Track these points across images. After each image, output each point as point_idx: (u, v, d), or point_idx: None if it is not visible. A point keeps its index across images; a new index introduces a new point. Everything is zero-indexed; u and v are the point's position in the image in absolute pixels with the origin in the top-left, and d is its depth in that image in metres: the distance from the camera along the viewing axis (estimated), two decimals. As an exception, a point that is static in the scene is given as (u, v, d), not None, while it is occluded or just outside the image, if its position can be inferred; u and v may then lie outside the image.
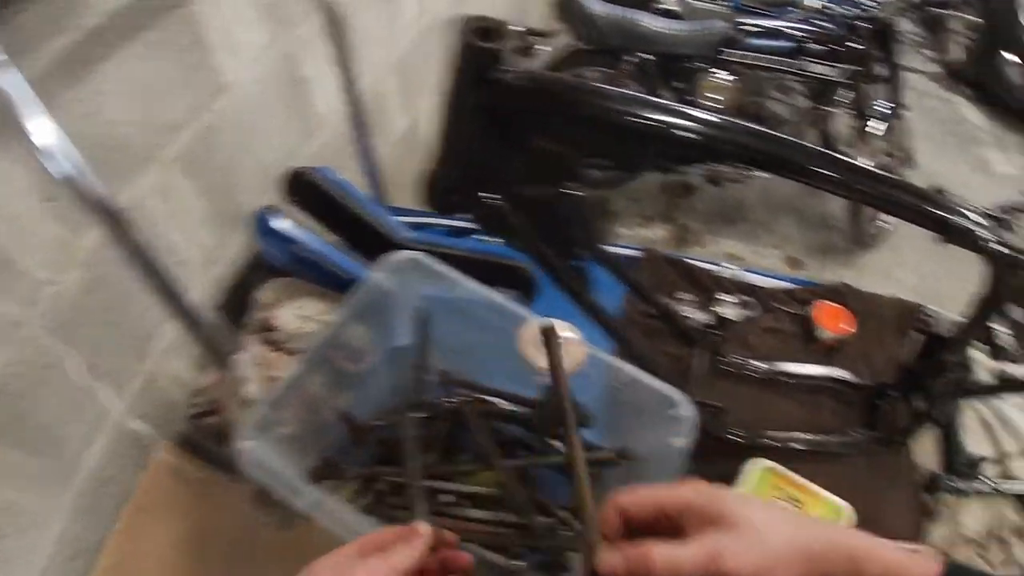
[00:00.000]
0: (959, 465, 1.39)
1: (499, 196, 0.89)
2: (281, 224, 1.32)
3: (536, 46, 2.65)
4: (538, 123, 0.83)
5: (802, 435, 1.36)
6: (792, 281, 1.69)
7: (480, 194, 0.90)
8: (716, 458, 1.20)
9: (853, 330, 1.54)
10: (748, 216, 3.33)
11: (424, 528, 0.62)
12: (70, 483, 1.17)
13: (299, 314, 1.25)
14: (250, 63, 1.41)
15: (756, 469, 1.22)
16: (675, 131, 0.84)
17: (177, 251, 1.33)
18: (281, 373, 1.14)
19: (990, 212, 1.04)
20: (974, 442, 1.44)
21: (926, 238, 0.96)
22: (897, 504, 1.33)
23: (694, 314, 1.47)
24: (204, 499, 1.26)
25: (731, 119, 0.89)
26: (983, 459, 1.39)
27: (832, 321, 1.53)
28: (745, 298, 1.56)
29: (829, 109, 2.99)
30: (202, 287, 1.41)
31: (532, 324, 1.27)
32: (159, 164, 1.24)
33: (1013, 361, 1.17)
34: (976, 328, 1.11)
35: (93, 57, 1.06)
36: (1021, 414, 1.50)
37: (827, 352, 1.55)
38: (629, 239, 3.12)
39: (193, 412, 1.30)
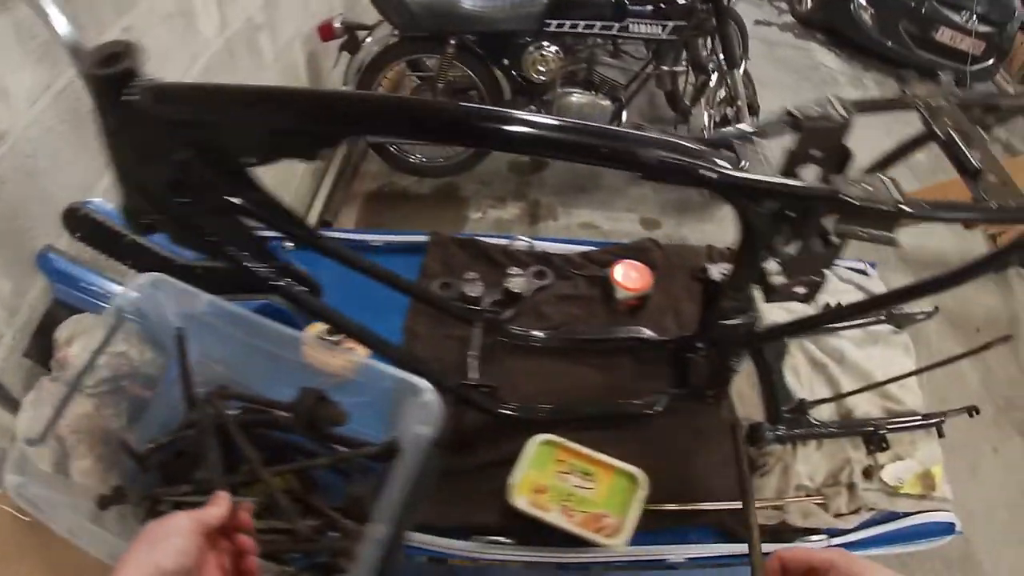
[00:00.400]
0: (782, 412, 1.33)
1: (178, 212, 0.92)
2: (60, 264, 1.35)
3: (362, 40, 2.69)
4: (186, 131, 0.85)
5: (596, 402, 1.36)
6: (593, 244, 1.69)
7: (163, 213, 0.92)
8: (504, 436, 1.25)
9: (649, 286, 1.53)
10: (601, 183, 3.38)
11: (224, 493, 0.76)
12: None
13: (89, 347, 1.27)
14: (26, 107, 1.40)
15: (534, 444, 1.21)
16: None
17: (-25, 308, 1.34)
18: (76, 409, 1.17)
19: (715, 139, 1.01)
20: (808, 385, 1.41)
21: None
22: (717, 461, 1.30)
23: (481, 293, 1.48)
24: (52, 539, 1.29)
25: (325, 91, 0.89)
26: (806, 402, 1.34)
27: (627, 279, 1.54)
28: (539, 268, 1.57)
29: (667, 68, 3.05)
30: (10, 335, 1.42)
31: (310, 330, 1.33)
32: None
33: (791, 299, 1.07)
34: (742, 270, 1.07)
35: None
36: (857, 348, 1.48)
37: (632, 311, 1.54)
38: (481, 223, 3.16)
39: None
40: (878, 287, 1.63)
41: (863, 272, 1.71)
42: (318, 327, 1.35)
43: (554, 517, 1.15)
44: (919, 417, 1.37)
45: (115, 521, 1.08)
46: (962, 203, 0.92)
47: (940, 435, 1.38)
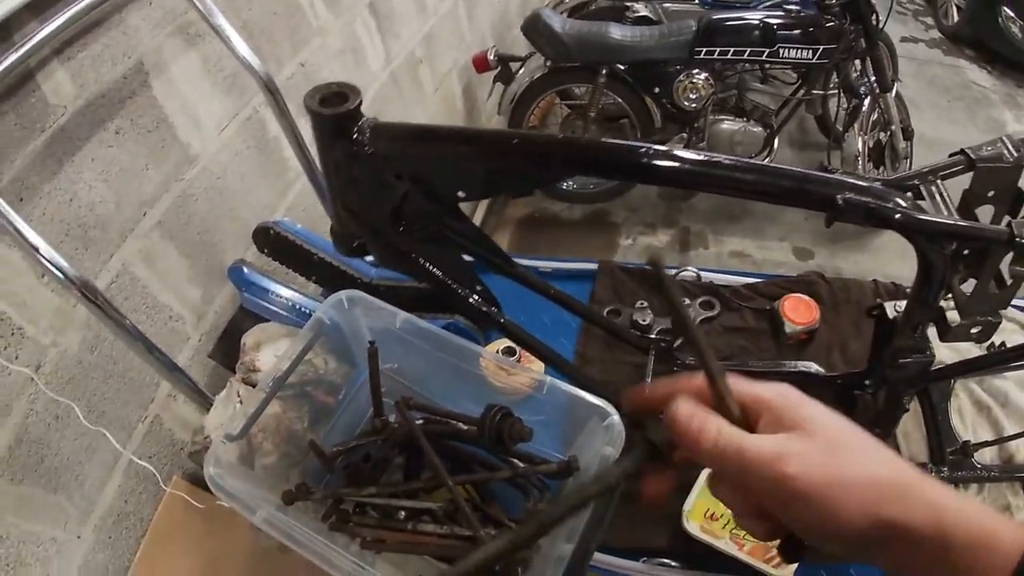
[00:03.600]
0: (946, 453, 1.31)
1: (389, 238, 0.96)
2: (251, 276, 1.44)
3: (515, 71, 2.77)
4: (404, 167, 0.89)
5: None
6: (759, 276, 1.66)
7: (375, 237, 0.97)
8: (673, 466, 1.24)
9: (816, 321, 1.50)
10: (752, 211, 3.30)
11: None
12: (89, 517, 1.31)
13: (277, 354, 1.34)
14: (215, 132, 1.53)
15: (707, 472, 1.21)
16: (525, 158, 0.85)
17: (168, 308, 1.45)
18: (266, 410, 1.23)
19: (894, 180, 1.01)
20: (971, 426, 1.38)
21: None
22: None
23: (651, 321, 1.47)
24: (214, 528, 1.36)
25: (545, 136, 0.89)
26: (970, 444, 1.30)
27: (797, 313, 1.51)
28: (707, 299, 1.56)
29: (817, 92, 2.98)
30: (197, 337, 1.54)
31: (491, 348, 1.36)
32: (140, 234, 1.37)
33: (967, 339, 1.05)
34: (919, 309, 1.03)
35: (65, 151, 1.20)
36: (1022, 391, 1.42)
37: (800, 346, 1.52)
38: (631, 249, 3.16)
39: (193, 449, 1.40)
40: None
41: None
42: (495, 346, 1.38)
43: (725, 544, 1.16)
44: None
45: (296, 514, 1.12)
46: None
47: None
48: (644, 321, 1.47)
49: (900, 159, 3.00)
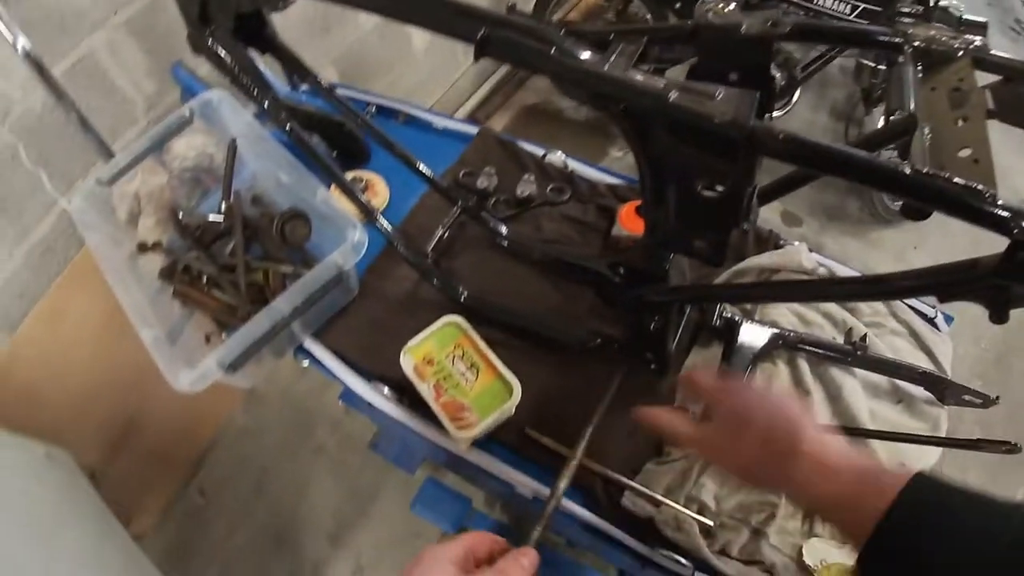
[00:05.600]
0: None
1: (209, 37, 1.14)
2: (186, 79, 1.73)
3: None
4: None
5: (533, 314, 1.33)
6: (630, 180, 1.57)
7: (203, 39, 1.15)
8: (436, 306, 1.32)
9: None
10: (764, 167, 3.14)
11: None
12: (22, 241, 1.70)
13: (188, 144, 1.57)
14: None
15: (443, 320, 1.21)
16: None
17: (122, 93, 1.79)
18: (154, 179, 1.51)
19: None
20: None
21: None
22: (625, 428, 1.18)
23: (493, 188, 1.52)
24: None
25: None
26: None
27: (630, 219, 1.43)
28: (558, 185, 1.54)
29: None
30: (144, 122, 1.88)
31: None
32: (109, 26, 1.68)
33: (690, 255, 0.93)
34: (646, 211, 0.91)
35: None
36: (867, 396, 1.23)
37: (621, 251, 1.44)
38: (619, 162, 3.13)
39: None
40: (944, 350, 1.27)
41: (930, 320, 1.34)
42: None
43: (424, 389, 1.14)
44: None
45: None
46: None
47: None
48: (483, 185, 1.53)
49: None
